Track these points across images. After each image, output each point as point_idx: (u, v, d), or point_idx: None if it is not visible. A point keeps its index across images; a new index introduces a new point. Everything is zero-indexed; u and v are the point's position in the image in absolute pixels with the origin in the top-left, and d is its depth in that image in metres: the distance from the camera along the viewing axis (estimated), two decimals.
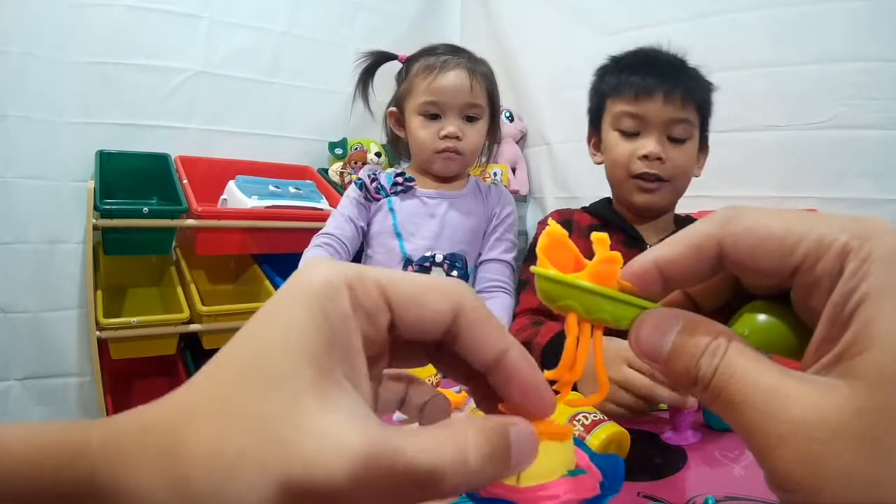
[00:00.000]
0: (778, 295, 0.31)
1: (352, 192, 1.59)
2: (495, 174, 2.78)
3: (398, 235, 1.52)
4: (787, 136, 2.19)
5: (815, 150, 2.13)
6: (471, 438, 0.27)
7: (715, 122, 2.28)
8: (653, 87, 1.29)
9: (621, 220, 1.41)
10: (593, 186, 2.72)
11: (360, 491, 0.24)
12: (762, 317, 0.31)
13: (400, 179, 1.53)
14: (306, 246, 2.29)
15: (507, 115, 2.95)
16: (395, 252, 1.52)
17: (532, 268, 0.33)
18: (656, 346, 0.30)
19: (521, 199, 2.99)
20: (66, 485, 0.24)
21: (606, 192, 2.58)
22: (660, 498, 0.72)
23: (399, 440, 0.25)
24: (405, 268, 1.50)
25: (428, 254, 1.50)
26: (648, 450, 0.89)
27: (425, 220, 1.53)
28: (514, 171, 2.97)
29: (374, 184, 1.54)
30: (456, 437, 0.26)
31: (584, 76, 2.76)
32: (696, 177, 1.43)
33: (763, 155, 2.25)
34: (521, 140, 3.05)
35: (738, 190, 2.30)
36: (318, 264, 0.28)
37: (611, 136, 1.37)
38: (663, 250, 0.32)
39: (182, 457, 0.24)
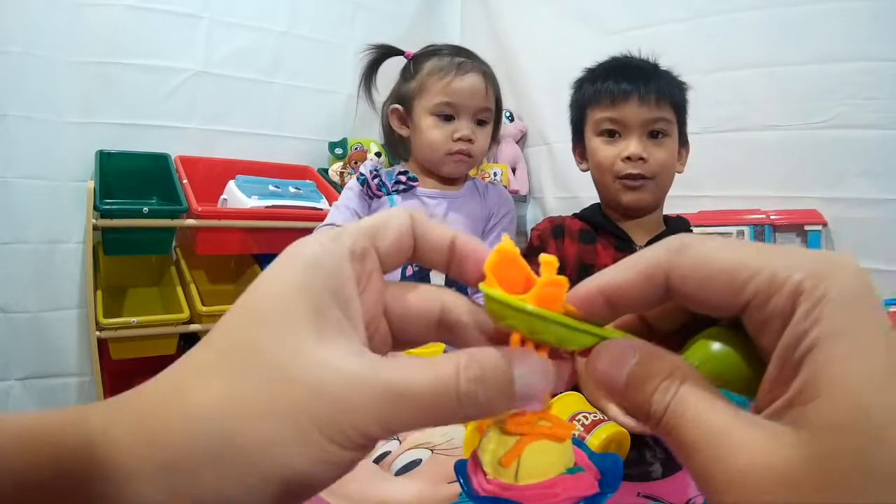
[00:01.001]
0: (737, 320, 0.29)
1: (354, 185, 1.57)
2: (495, 174, 2.78)
3: None
4: (787, 135, 2.18)
5: (815, 149, 2.13)
6: (463, 361, 0.27)
7: (715, 122, 2.31)
8: (628, 91, 1.34)
9: (611, 223, 1.44)
10: (592, 187, 2.73)
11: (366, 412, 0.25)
12: (716, 346, 0.30)
13: (403, 178, 1.52)
14: None
15: (507, 114, 2.94)
16: None
17: (480, 285, 0.32)
18: (613, 377, 0.29)
19: (520, 199, 2.99)
20: (59, 460, 0.24)
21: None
22: (660, 498, 0.72)
23: (395, 364, 0.27)
24: (405, 267, 1.49)
25: None
26: (649, 449, 0.89)
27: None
28: (514, 171, 2.96)
29: (377, 180, 1.53)
30: (447, 361, 0.27)
31: None
32: (679, 173, 1.48)
33: (763, 155, 2.25)
34: (521, 140, 3.05)
35: (738, 190, 2.30)
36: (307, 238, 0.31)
37: (594, 142, 1.42)
38: (609, 276, 0.31)
39: (177, 414, 0.25)
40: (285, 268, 0.28)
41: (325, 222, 1.53)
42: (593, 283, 0.31)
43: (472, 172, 1.70)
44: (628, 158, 1.34)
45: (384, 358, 0.27)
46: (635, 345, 0.30)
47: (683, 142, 1.47)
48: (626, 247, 1.40)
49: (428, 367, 0.27)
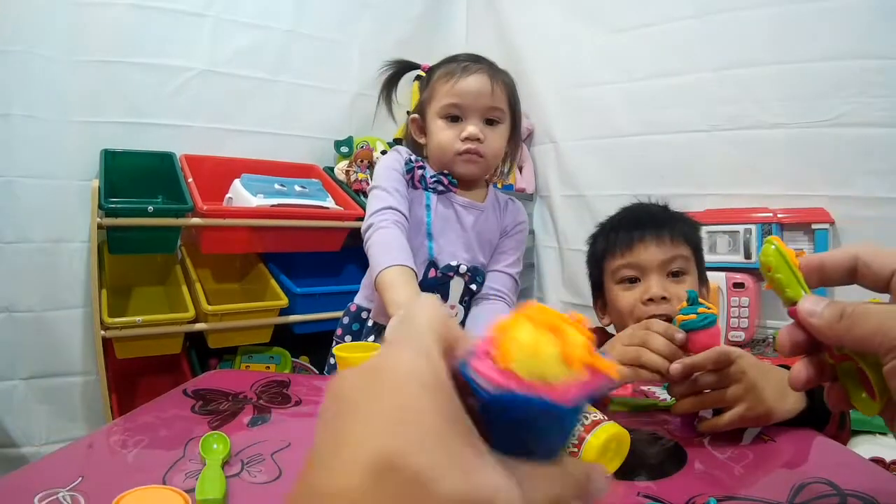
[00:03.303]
0: None
1: (396, 165, 1.52)
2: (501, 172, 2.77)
3: (429, 236, 1.50)
4: (794, 133, 2.18)
5: (822, 148, 2.12)
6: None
7: (722, 120, 2.31)
8: (642, 234, 1.33)
9: None
10: (599, 185, 2.73)
11: None
12: None
13: (445, 180, 1.50)
14: (312, 245, 2.30)
15: None
16: (423, 251, 1.49)
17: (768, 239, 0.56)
18: (813, 309, 0.51)
19: (527, 198, 2.99)
20: None
21: (612, 191, 2.59)
22: (660, 498, 0.72)
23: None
24: (428, 269, 1.48)
25: (453, 263, 1.49)
26: (649, 450, 0.88)
27: (455, 226, 1.51)
28: (520, 169, 2.96)
29: (421, 170, 1.51)
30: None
31: (590, 74, 2.78)
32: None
33: (770, 153, 2.24)
34: (528, 138, 3.04)
35: (745, 188, 2.30)
36: (407, 351, 0.32)
37: (614, 291, 1.41)
38: (827, 254, 0.54)
39: None
40: (423, 400, 0.29)
41: (379, 206, 1.44)
42: (818, 256, 0.54)
43: (500, 179, 1.69)
44: (650, 300, 1.31)
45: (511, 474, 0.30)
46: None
47: (703, 280, 1.44)
48: None
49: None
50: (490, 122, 1.49)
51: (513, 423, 0.37)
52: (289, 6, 2.71)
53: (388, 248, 1.37)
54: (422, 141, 1.57)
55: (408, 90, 1.66)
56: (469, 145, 1.45)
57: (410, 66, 1.63)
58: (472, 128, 1.45)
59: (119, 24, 2.30)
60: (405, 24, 3.02)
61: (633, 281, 1.36)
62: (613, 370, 0.39)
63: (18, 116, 2.10)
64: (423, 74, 1.61)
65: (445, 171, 1.52)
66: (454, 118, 1.47)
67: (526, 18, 2.99)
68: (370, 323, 1.57)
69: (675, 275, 1.35)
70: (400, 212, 1.43)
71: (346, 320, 1.63)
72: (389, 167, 1.52)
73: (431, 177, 1.50)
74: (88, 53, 2.24)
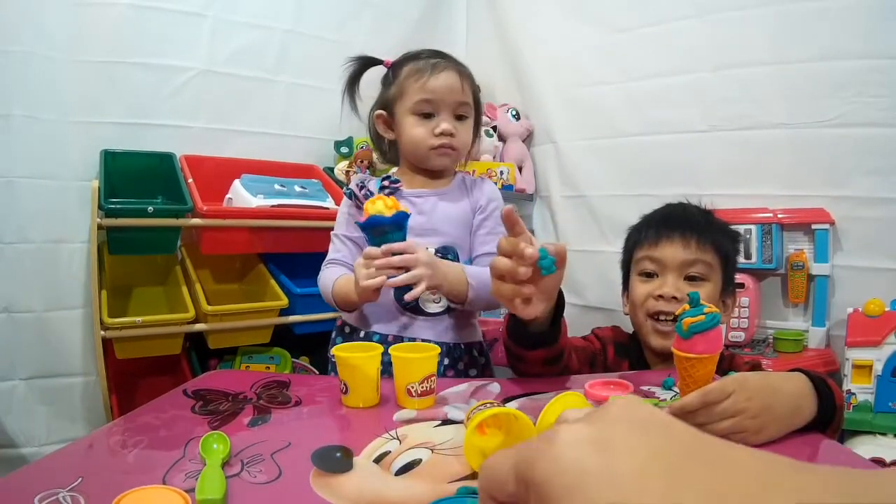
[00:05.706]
0: None
1: (344, 206, 1.64)
2: (501, 172, 2.77)
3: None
4: (794, 133, 2.18)
5: (823, 148, 2.12)
6: None
7: (722, 120, 2.31)
8: (670, 232, 1.42)
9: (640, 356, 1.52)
10: (599, 185, 2.73)
11: None
12: None
13: (386, 182, 1.56)
14: (312, 245, 2.30)
15: (513, 113, 2.94)
16: None
17: None
18: None
19: (527, 198, 2.98)
20: None
21: (612, 192, 2.59)
22: None
23: None
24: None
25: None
26: None
27: (414, 217, 1.52)
28: (520, 169, 2.96)
29: (363, 191, 1.57)
30: None
31: (590, 74, 2.78)
32: (724, 323, 1.55)
33: (771, 153, 2.24)
34: (528, 138, 3.04)
35: (745, 188, 2.29)
36: None
37: (633, 281, 1.49)
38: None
39: None
40: None
41: (329, 257, 1.60)
42: None
43: (460, 167, 1.72)
44: (661, 297, 1.38)
45: None
46: None
47: (729, 292, 1.48)
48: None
49: None
50: (459, 118, 1.56)
51: (373, 234, 1.32)
52: (289, 6, 2.70)
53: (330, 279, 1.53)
54: (388, 136, 1.65)
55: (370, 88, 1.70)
56: (443, 140, 1.53)
57: (372, 61, 1.70)
58: (445, 124, 1.53)
59: (119, 24, 2.29)
60: (405, 25, 3.02)
61: (652, 275, 1.43)
62: (406, 209, 1.31)
63: (19, 117, 2.10)
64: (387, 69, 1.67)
65: (388, 175, 1.59)
66: (426, 114, 1.54)
67: (526, 18, 2.98)
68: (361, 334, 1.57)
69: (693, 279, 1.41)
70: (338, 260, 1.59)
71: (336, 337, 1.66)
72: (340, 212, 1.68)
73: (378, 187, 1.56)
74: (88, 53, 2.23)
